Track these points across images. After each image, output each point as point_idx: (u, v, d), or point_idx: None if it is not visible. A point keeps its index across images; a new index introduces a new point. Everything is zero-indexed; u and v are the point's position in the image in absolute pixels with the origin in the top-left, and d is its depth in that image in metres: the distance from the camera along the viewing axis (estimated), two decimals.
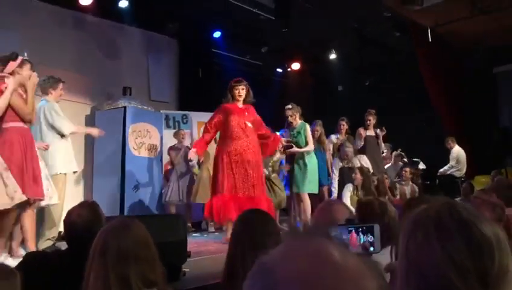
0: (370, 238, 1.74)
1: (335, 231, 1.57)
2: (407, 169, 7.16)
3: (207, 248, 4.87)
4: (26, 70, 4.09)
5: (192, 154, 5.35)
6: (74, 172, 5.20)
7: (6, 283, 1.36)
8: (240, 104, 5.33)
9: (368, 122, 7.14)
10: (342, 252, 0.61)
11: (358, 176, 5.80)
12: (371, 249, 1.73)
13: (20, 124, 3.94)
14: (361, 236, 1.74)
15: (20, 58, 4.07)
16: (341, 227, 1.69)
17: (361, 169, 6.00)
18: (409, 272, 0.87)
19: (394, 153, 8.21)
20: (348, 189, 5.84)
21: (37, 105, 4.77)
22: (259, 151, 5.32)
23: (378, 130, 7.03)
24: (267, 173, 6.34)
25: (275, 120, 9.06)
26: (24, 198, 3.66)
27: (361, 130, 6.98)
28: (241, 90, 5.29)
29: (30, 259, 2.22)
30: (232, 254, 1.78)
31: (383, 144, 7.28)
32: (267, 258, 0.62)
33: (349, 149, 6.54)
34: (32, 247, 3.92)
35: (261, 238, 1.70)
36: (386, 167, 7.73)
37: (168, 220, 3.18)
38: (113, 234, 1.60)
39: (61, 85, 5.00)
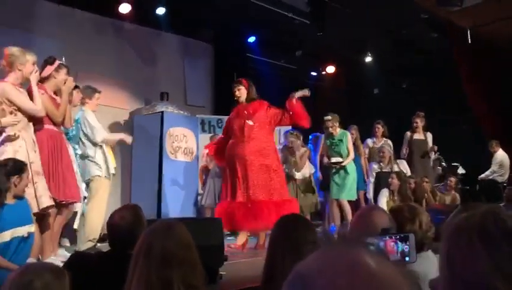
0: (406, 247, 1.72)
1: (372, 239, 1.57)
2: (453, 179, 6.88)
3: (243, 252, 4.89)
4: (62, 74, 4.21)
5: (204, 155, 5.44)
6: (112, 174, 5.24)
7: (58, 282, 1.42)
8: (243, 104, 5.19)
9: (415, 124, 6.99)
10: (379, 262, 0.61)
11: (395, 181, 5.71)
12: (406, 259, 1.71)
13: (51, 127, 4.04)
14: (399, 244, 1.72)
15: (56, 62, 4.21)
16: (377, 237, 1.68)
17: (398, 174, 5.91)
18: (452, 281, 0.86)
19: (433, 156, 8.03)
20: (384, 194, 5.76)
21: (75, 113, 4.96)
22: (268, 153, 4.97)
23: (433, 147, 6.92)
24: (297, 174, 6.35)
25: (310, 124, 9.06)
26: (50, 203, 3.68)
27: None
28: (237, 91, 5.18)
29: (75, 260, 2.30)
30: (271, 258, 1.79)
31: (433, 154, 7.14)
32: (304, 268, 0.63)
33: (387, 150, 6.47)
34: (48, 250, 3.95)
35: (300, 244, 1.71)
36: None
37: (205, 224, 3.23)
38: (157, 236, 1.63)
39: (97, 95, 5.15)
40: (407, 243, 1.70)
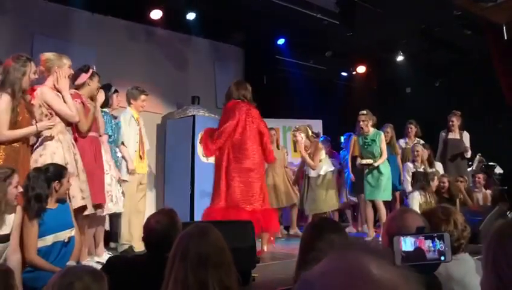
0: (441, 246, 1.70)
1: (408, 237, 1.55)
2: (480, 176, 6.77)
3: (274, 254, 4.90)
4: (95, 82, 4.36)
5: None
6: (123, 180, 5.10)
7: (97, 285, 1.47)
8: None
9: (451, 123, 6.84)
10: (380, 266, 0.62)
11: (435, 183, 5.63)
12: (442, 258, 1.69)
13: (92, 134, 4.20)
14: (437, 242, 1.69)
15: (91, 71, 4.35)
16: (412, 235, 1.67)
17: (435, 175, 5.81)
18: (499, 283, 0.85)
19: (476, 158, 7.82)
20: (415, 197, 5.66)
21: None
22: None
23: (466, 147, 6.76)
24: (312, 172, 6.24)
25: (340, 124, 9.00)
26: (82, 203, 3.75)
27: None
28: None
29: (113, 263, 2.36)
30: (303, 259, 1.80)
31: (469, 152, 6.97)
32: (309, 273, 0.65)
33: (420, 148, 6.37)
34: (83, 253, 4.07)
35: (331, 246, 1.71)
36: (468, 170, 7.39)
37: (237, 226, 3.26)
38: (193, 239, 1.67)
39: (143, 96, 5.28)
40: (443, 242, 1.68)
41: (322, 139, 7.76)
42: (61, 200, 3.29)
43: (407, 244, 1.63)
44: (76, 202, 3.63)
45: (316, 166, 6.15)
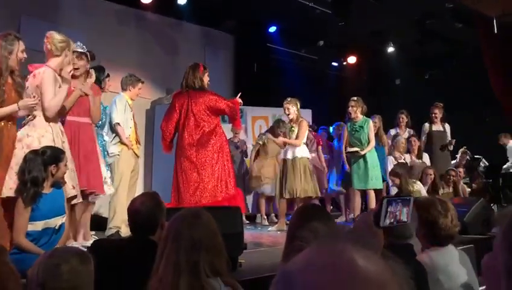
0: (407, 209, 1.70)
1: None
2: (461, 169, 6.81)
3: (261, 241, 4.94)
4: (82, 62, 4.20)
5: None
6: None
7: (84, 267, 1.47)
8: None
9: (434, 115, 6.87)
10: (365, 258, 0.59)
11: (396, 181, 5.62)
12: (404, 219, 1.69)
13: (73, 118, 4.05)
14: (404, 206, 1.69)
15: (83, 53, 4.25)
16: (394, 200, 1.67)
17: (397, 173, 5.81)
18: None
19: (460, 150, 7.89)
20: (393, 192, 5.70)
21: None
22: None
23: (451, 140, 6.79)
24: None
25: (330, 114, 9.02)
26: (73, 193, 3.65)
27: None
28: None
29: (98, 246, 2.36)
30: (289, 246, 1.82)
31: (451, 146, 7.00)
32: (289, 265, 0.61)
33: (401, 140, 6.40)
34: (79, 239, 4.05)
35: (318, 233, 1.72)
36: (452, 162, 7.45)
37: (225, 212, 3.27)
38: (186, 222, 1.68)
39: (140, 84, 5.24)
40: (409, 207, 1.69)
41: (320, 131, 7.78)
42: (57, 185, 3.22)
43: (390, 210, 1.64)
44: (67, 192, 3.59)
45: (301, 144, 5.94)
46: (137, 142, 5.26)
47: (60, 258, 1.46)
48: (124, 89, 5.19)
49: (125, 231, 4.75)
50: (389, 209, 1.58)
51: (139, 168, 5.50)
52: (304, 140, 6.00)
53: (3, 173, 3.24)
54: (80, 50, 4.20)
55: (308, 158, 6.01)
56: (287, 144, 5.98)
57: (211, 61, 8.39)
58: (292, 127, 6.00)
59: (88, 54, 4.28)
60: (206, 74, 4.93)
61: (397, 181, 5.58)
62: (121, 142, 4.98)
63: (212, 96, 4.77)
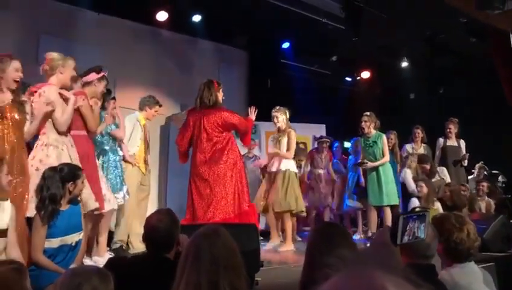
0: (424, 226, 1.66)
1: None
2: (484, 183, 6.71)
3: (278, 258, 4.89)
4: (101, 85, 4.36)
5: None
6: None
7: (104, 286, 1.47)
8: None
9: (449, 130, 6.80)
10: (397, 285, 0.59)
11: (424, 189, 5.58)
12: (421, 236, 1.65)
13: (78, 132, 4.04)
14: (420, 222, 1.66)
15: (102, 74, 4.34)
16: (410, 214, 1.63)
17: (426, 181, 5.77)
18: None
19: (477, 165, 7.79)
20: (414, 203, 5.63)
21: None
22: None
23: (465, 155, 6.71)
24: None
25: (343, 129, 8.99)
26: (96, 205, 3.78)
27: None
28: None
29: (114, 263, 2.35)
30: (309, 264, 1.79)
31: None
32: None
33: (413, 159, 6.36)
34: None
35: (338, 252, 1.70)
36: (469, 178, 7.35)
37: (242, 229, 3.26)
38: (206, 241, 1.67)
39: (157, 107, 5.35)
40: (425, 222, 1.66)
41: (336, 145, 7.75)
42: (74, 202, 3.25)
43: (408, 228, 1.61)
44: (90, 205, 3.68)
45: (291, 156, 5.78)
46: (145, 161, 5.30)
47: (81, 277, 1.47)
48: (140, 109, 5.29)
49: (138, 247, 4.82)
50: (405, 226, 1.56)
51: (149, 184, 5.53)
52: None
53: (24, 189, 3.29)
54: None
55: (294, 172, 5.84)
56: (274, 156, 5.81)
57: (225, 77, 8.44)
58: (280, 136, 5.83)
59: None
60: (221, 90, 5.02)
61: (425, 190, 5.55)
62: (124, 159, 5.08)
63: (225, 113, 4.83)
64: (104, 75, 4.37)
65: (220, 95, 4.97)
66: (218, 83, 5.07)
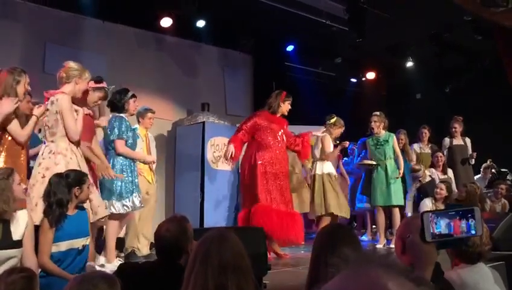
0: (473, 223, 1.66)
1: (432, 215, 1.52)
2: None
3: (285, 261, 4.89)
4: (95, 96, 4.32)
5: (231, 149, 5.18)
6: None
7: None
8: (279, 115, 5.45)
9: (454, 129, 6.77)
10: (400, 285, 0.60)
11: (443, 192, 5.55)
12: (473, 232, 1.65)
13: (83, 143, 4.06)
14: (470, 220, 1.65)
15: (100, 84, 4.35)
16: (443, 214, 1.63)
17: (446, 183, 5.74)
18: None
19: (484, 164, 7.72)
20: (426, 204, 5.59)
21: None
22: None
23: (472, 153, 6.69)
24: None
25: (349, 131, 8.96)
26: (107, 213, 3.88)
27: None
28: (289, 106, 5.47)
29: (124, 269, 2.37)
30: (315, 267, 1.79)
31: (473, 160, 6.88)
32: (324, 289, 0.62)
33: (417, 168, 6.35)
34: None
35: (344, 253, 1.69)
36: (475, 177, 7.29)
37: (249, 232, 3.26)
38: (214, 244, 1.67)
39: (149, 114, 5.45)
40: (474, 218, 1.64)
41: (350, 146, 7.74)
42: (80, 207, 3.30)
43: (441, 226, 1.60)
44: (99, 213, 3.73)
45: (334, 156, 5.98)
46: (151, 169, 5.34)
47: (89, 283, 1.48)
48: (138, 122, 5.34)
49: (144, 251, 4.99)
50: (435, 222, 1.56)
51: (155, 192, 5.55)
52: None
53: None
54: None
55: (335, 175, 5.92)
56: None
57: (230, 81, 8.49)
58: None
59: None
60: (287, 102, 5.43)
61: (444, 193, 5.58)
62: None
63: (285, 124, 5.45)
64: (103, 87, 4.38)
65: (285, 107, 5.44)
66: (287, 94, 5.53)
